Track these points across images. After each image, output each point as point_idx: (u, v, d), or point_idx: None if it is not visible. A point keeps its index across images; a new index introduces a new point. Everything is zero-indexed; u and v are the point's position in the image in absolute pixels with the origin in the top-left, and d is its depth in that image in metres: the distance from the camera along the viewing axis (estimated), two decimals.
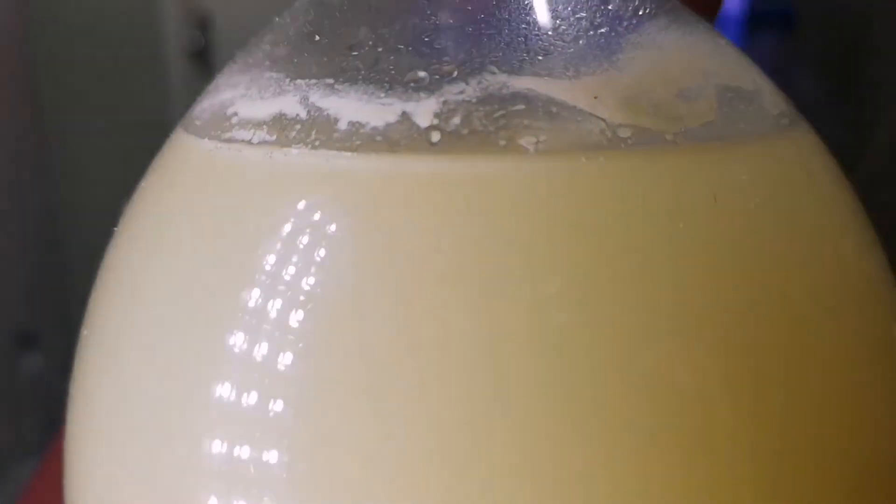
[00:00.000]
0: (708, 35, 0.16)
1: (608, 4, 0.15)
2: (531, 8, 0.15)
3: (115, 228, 0.17)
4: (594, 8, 0.15)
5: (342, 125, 0.14)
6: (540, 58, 0.14)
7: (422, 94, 0.14)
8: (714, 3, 0.21)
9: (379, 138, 0.14)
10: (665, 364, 0.13)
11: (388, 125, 0.14)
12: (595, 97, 0.14)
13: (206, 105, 0.17)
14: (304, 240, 0.14)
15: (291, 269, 0.14)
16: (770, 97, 0.16)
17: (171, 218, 0.16)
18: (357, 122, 0.14)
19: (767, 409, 0.13)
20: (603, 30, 0.15)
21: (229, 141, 0.15)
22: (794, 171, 0.15)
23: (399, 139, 0.14)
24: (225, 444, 0.14)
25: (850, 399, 0.14)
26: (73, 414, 0.17)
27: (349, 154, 0.14)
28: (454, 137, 0.14)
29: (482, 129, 0.14)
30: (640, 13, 0.16)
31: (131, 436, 0.15)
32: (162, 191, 0.16)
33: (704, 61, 0.16)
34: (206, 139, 0.16)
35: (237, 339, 0.14)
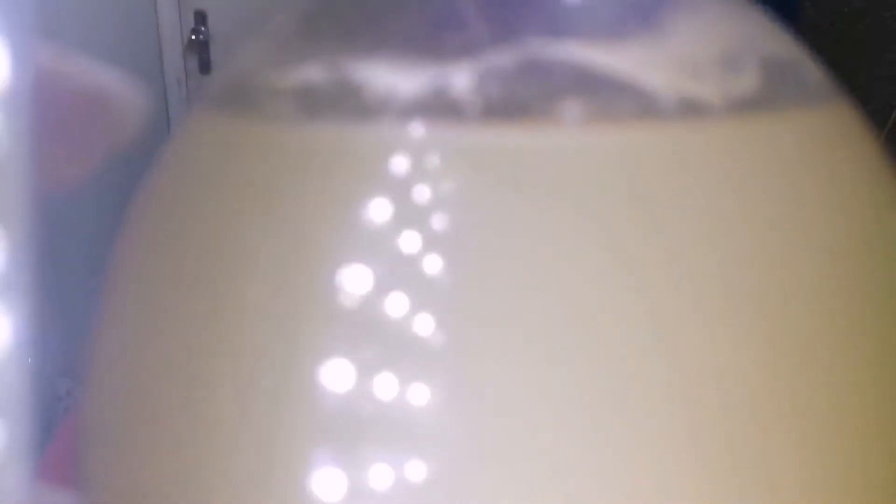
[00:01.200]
0: (741, 2, 0.16)
1: None
2: None
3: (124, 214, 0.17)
4: None
5: (374, 95, 0.14)
6: (580, 23, 0.14)
7: (458, 62, 0.13)
8: None
9: (414, 108, 0.13)
10: (712, 344, 0.13)
11: (423, 94, 0.13)
12: (639, 64, 0.13)
13: (227, 78, 0.16)
14: (337, 215, 0.13)
15: (322, 249, 0.13)
16: (809, 67, 0.16)
17: (194, 195, 0.15)
18: (390, 92, 0.13)
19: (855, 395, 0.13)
20: None
21: (252, 113, 0.15)
22: (841, 142, 0.15)
23: (436, 108, 0.13)
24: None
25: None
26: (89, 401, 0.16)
27: (384, 124, 0.13)
28: (495, 107, 0.13)
29: (524, 99, 0.13)
30: None
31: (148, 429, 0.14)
32: (182, 168, 0.16)
33: (744, 28, 0.15)
34: (227, 113, 0.15)
35: (265, 319, 0.13)
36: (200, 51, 1.61)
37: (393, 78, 0.14)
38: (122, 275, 0.16)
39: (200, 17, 1.62)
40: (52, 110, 0.11)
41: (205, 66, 1.60)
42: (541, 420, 0.12)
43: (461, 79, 0.13)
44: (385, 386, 0.12)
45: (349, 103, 0.14)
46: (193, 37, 1.61)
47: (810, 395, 0.13)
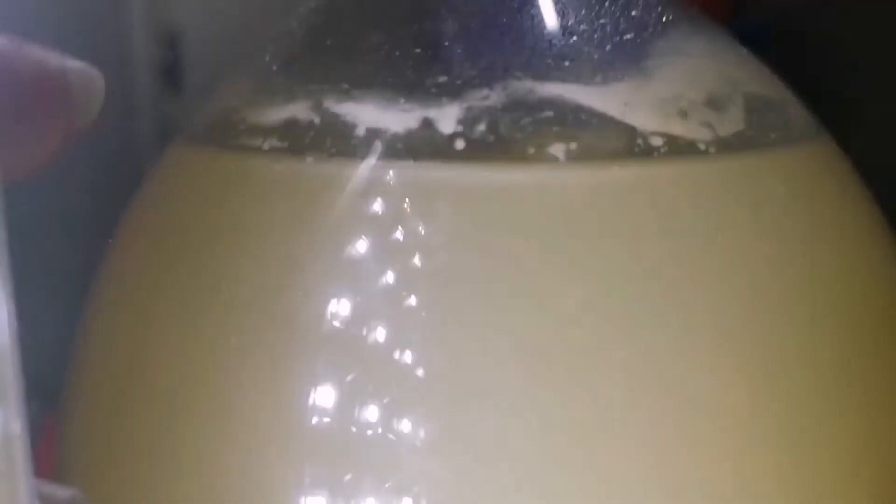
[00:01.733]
0: (730, 43, 0.16)
1: (632, 10, 0.15)
2: (555, 12, 0.14)
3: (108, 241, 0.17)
4: (618, 13, 0.15)
5: (360, 132, 0.13)
6: (566, 63, 0.14)
7: (444, 100, 0.13)
8: (723, 14, 0.20)
9: (400, 145, 0.13)
10: (699, 376, 0.13)
11: (409, 132, 0.13)
12: (625, 104, 0.13)
13: (210, 113, 0.16)
14: (319, 250, 0.13)
15: (304, 279, 0.13)
16: (794, 107, 0.16)
17: (176, 227, 0.15)
18: (376, 129, 0.13)
19: (816, 422, 0.13)
20: (629, 35, 0.14)
21: (237, 149, 0.14)
22: (825, 181, 0.15)
23: (422, 146, 0.13)
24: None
25: (878, 413, 0.14)
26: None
27: (368, 162, 0.13)
28: (480, 145, 0.13)
29: (509, 137, 0.13)
30: (664, 20, 0.15)
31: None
32: (164, 202, 0.15)
33: (730, 69, 0.15)
34: (210, 147, 0.15)
35: (251, 356, 0.13)
36: (172, 72, 1.61)
37: (379, 115, 0.13)
38: (103, 305, 0.16)
39: (172, 39, 1.62)
40: (8, 93, 0.11)
41: (176, 88, 1.59)
42: (521, 452, 0.12)
43: (447, 117, 0.13)
44: (364, 414, 0.12)
45: (335, 140, 0.14)
46: (165, 58, 1.60)
47: (793, 423, 0.13)
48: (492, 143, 0.13)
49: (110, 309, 0.16)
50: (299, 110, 0.14)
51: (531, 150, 0.13)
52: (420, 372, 0.12)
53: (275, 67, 0.15)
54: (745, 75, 0.15)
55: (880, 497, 0.14)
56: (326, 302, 0.13)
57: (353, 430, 0.12)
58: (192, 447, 0.13)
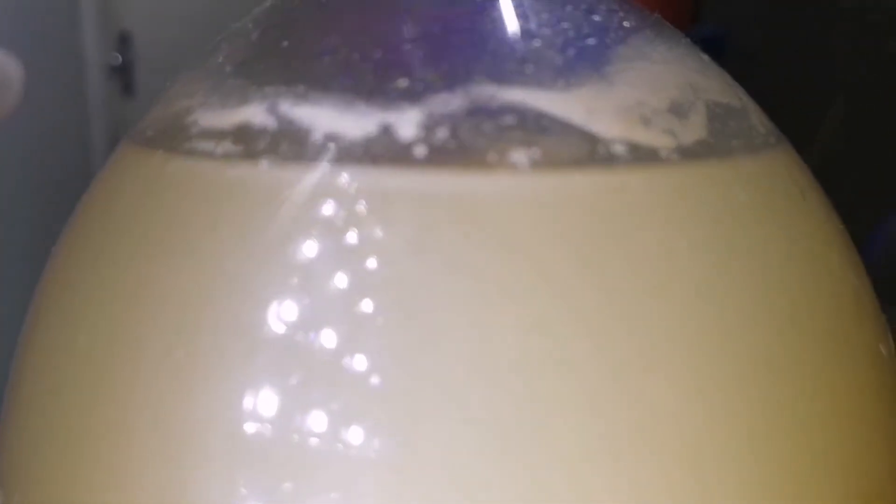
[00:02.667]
0: (691, 50, 0.16)
1: (594, 15, 0.15)
2: (517, 15, 0.14)
3: (52, 248, 0.16)
4: (581, 18, 0.14)
5: (316, 136, 0.13)
6: (529, 68, 0.13)
7: (404, 105, 0.13)
8: (683, 21, 0.20)
9: (358, 151, 0.13)
10: (660, 389, 0.12)
11: (367, 137, 0.13)
12: (588, 110, 0.13)
13: (159, 115, 0.15)
14: (273, 259, 0.13)
15: (258, 289, 0.13)
16: (756, 115, 0.16)
17: (123, 233, 0.14)
18: (333, 134, 0.13)
19: (774, 427, 0.13)
20: (591, 40, 0.14)
21: (188, 153, 0.14)
22: (788, 189, 0.15)
23: (380, 152, 0.13)
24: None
25: (847, 420, 0.14)
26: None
27: (325, 167, 0.13)
28: (441, 152, 0.13)
29: (471, 144, 0.13)
30: (626, 25, 0.15)
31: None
32: (110, 206, 0.15)
33: (692, 76, 0.15)
34: (160, 150, 0.15)
35: (201, 366, 0.13)
36: (124, 73, 1.59)
37: (337, 120, 0.13)
38: (47, 309, 0.15)
39: (124, 39, 1.60)
40: None
41: (128, 90, 1.57)
42: (472, 467, 0.12)
43: (407, 122, 0.13)
44: (310, 421, 0.12)
45: (291, 145, 0.13)
46: (117, 59, 1.58)
47: (759, 434, 0.13)
48: (453, 150, 0.13)
49: (52, 316, 0.15)
50: (253, 114, 0.14)
51: (493, 157, 0.13)
52: (374, 382, 0.12)
53: (228, 69, 0.15)
54: (707, 82, 0.15)
55: None
56: (280, 312, 0.12)
57: (309, 442, 0.12)
58: (133, 460, 0.13)
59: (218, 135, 0.14)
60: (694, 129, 0.14)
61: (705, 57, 0.16)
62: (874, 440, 0.14)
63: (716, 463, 0.13)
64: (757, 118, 0.16)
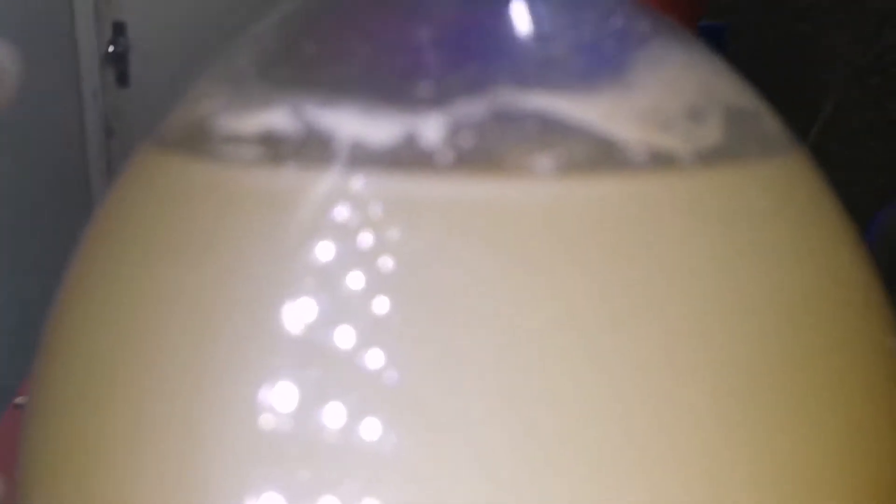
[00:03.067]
0: (705, 53, 0.16)
1: (612, 19, 0.15)
2: (540, 20, 0.14)
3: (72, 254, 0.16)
4: (598, 22, 0.15)
5: (340, 142, 0.13)
6: (550, 73, 0.14)
7: (428, 111, 0.13)
8: (690, 22, 0.20)
9: (382, 157, 0.13)
10: (690, 394, 0.13)
11: (391, 142, 0.13)
12: (608, 115, 0.13)
13: (181, 117, 0.16)
14: (298, 266, 0.13)
15: (281, 293, 0.13)
16: (769, 118, 0.16)
17: (146, 237, 0.14)
18: (357, 139, 0.13)
19: (789, 431, 0.13)
20: (610, 44, 0.14)
21: (211, 157, 0.14)
22: (803, 193, 0.15)
23: (404, 158, 0.13)
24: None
25: (859, 415, 0.14)
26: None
27: (350, 174, 0.13)
28: (464, 157, 0.13)
29: (496, 150, 0.13)
30: (643, 29, 0.15)
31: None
32: (132, 210, 0.15)
33: (708, 79, 0.15)
34: (182, 154, 0.15)
35: (227, 374, 0.13)
36: (118, 63, 1.58)
37: (360, 125, 0.13)
38: (69, 311, 0.15)
39: (119, 29, 1.59)
40: None
41: (123, 79, 1.57)
42: (482, 466, 0.12)
43: (430, 128, 0.13)
44: (327, 417, 0.12)
45: (314, 150, 0.13)
46: (111, 48, 1.58)
47: (769, 441, 0.13)
48: (477, 155, 0.13)
49: (75, 320, 0.15)
50: (277, 118, 0.14)
51: (516, 163, 0.13)
52: (398, 389, 0.12)
53: (251, 71, 0.15)
54: (722, 86, 0.15)
55: None
56: (303, 319, 0.13)
57: (332, 441, 0.12)
58: (152, 457, 0.13)
59: (241, 139, 0.14)
60: (711, 134, 0.14)
61: (718, 59, 0.16)
62: (884, 434, 0.15)
63: (733, 459, 0.13)
64: (771, 121, 0.16)
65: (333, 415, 0.12)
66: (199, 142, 0.15)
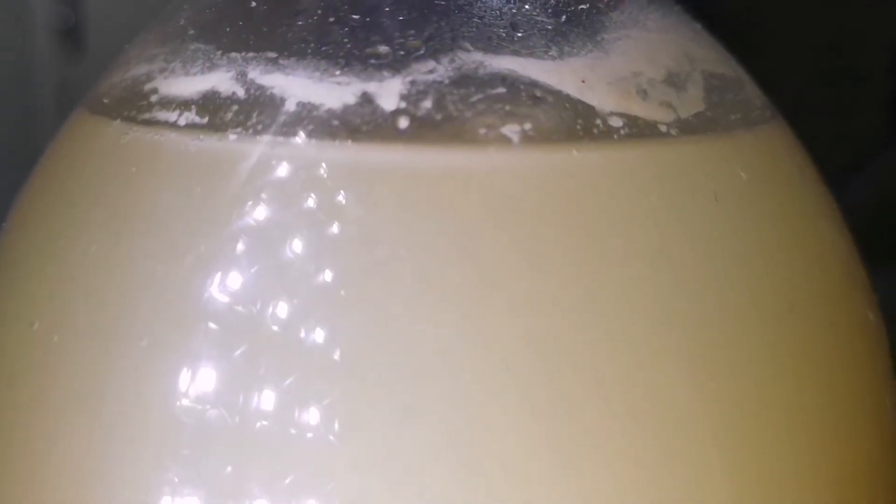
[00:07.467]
0: (684, 18, 0.15)
1: None
2: None
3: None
4: None
5: (290, 106, 0.12)
6: (519, 34, 0.13)
7: (385, 73, 0.12)
8: None
9: (336, 122, 0.12)
10: (665, 369, 0.12)
11: (346, 107, 0.12)
12: (582, 81, 0.12)
13: (117, 81, 0.14)
14: (242, 237, 0.12)
15: (225, 267, 0.12)
16: (750, 87, 0.15)
17: (79, 208, 0.13)
18: (308, 104, 0.12)
19: (770, 403, 0.12)
20: (584, 5, 0.13)
21: (148, 123, 0.13)
22: (784, 164, 0.14)
23: (360, 124, 0.12)
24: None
25: (839, 394, 0.14)
26: None
27: (300, 140, 0.12)
28: (426, 124, 0.12)
29: (458, 115, 0.12)
30: None
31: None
32: (64, 179, 0.14)
33: (688, 45, 0.14)
34: (118, 120, 0.13)
35: (157, 346, 0.12)
36: (73, 33, 1.55)
37: (311, 89, 0.12)
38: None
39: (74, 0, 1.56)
40: None
41: (78, 51, 1.54)
42: (470, 453, 0.11)
43: (388, 92, 0.12)
44: (297, 413, 0.11)
45: (261, 115, 0.12)
46: (67, 19, 1.55)
47: (749, 416, 0.12)
48: (438, 122, 0.12)
49: (4, 284, 0.14)
50: (220, 81, 0.13)
51: (481, 130, 0.12)
52: (359, 369, 0.11)
53: (191, 32, 0.14)
54: (702, 52, 0.14)
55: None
56: (249, 296, 0.12)
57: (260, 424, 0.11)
58: (63, 443, 0.12)
59: (181, 104, 0.13)
60: (692, 102, 0.13)
61: (698, 25, 0.15)
62: (866, 408, 0.14)
63: (713, 438, 0.12)
64: (752, 90, 0.15)
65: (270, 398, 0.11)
66: (135, 107, 0.13)
